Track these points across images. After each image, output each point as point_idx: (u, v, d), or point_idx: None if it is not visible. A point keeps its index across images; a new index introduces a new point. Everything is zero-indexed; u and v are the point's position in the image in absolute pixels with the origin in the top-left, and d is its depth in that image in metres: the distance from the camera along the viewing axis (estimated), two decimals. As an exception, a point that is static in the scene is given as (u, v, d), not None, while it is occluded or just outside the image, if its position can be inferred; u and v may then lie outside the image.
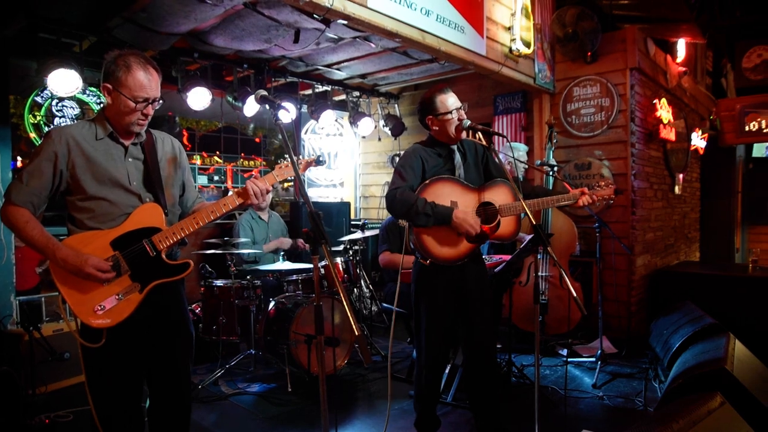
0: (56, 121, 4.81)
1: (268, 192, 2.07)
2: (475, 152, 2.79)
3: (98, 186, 1.92)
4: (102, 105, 2.02)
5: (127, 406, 1.96)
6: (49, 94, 4.72)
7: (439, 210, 2.47)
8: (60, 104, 4.84)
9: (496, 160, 2.78)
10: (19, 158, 4.64)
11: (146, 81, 1.92)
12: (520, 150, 5.01)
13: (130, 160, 2.01)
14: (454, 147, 2.71)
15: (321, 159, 2.27)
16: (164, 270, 1.98)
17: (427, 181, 2.55)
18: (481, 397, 2.71)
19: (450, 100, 2.63)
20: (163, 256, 1.98)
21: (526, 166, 4.47)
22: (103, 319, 1.87)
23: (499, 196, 2.65)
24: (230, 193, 2.10)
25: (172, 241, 1.98)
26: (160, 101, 2.00)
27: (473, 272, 2.68)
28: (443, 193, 2.54)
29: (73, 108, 4.91)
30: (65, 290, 1.87)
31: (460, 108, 2.64)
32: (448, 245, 2.57)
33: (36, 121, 4.74)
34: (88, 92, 4.92)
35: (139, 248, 1.94)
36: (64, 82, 3.65)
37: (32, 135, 4.70)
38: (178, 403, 2.10)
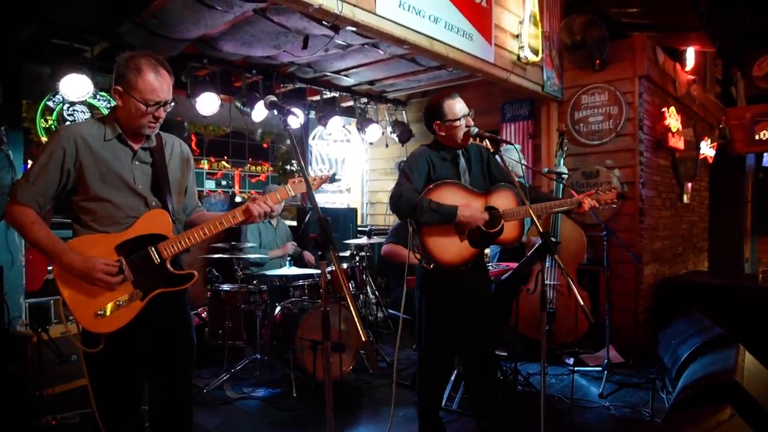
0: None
1: (272, 212, 2.05)
2: (480, 157, 2.79)
3: (104, 187, 1.89)
4: (111, 107, 2.00)
5: (128, 410, 1.96)
6: (61, 99, 4.77)
7: (445, 208, 2.47)
8: (71, 109, 4.89)
9: (500, 163, 2.76)
10: (30, 161, 4.69)
11: (157, 84, 1.88)
12: (513, 150, 4.92)
13: (137, 163, 1.98)
14: (459, 151, 2.71)
15: (336, 177, 2.27)
16: (168, 279, 1.95)
17: (431, 186, 2.55)
18: (482, 401, 2.70)
19: (458, 106, 2.62)
20: (168, 264, 1.95)
21: (523, 165, 4.39)
22: (103, 325, 1.85)
23: (503, 201, 2.64)
24: (238, 198, 2.09)
25: (177, 250, 1.95)
26: (172, 104, 1.97)
27: (476, 278, 2.67)
28: (448, 197, 2.54)
29: (84, 112, 4.96)
30: (67, 293, 1.85)
31: (468, 114, 2.64)
32: (452, 250, 2.56)
33: (47, 125, 4.80)
34: (98, 97, 4.97)
35: (143, 255, 1.91)
36: (75, 86, 3.69)
37: (43, 139, 4.75)
38: (178, 409, 2.09)
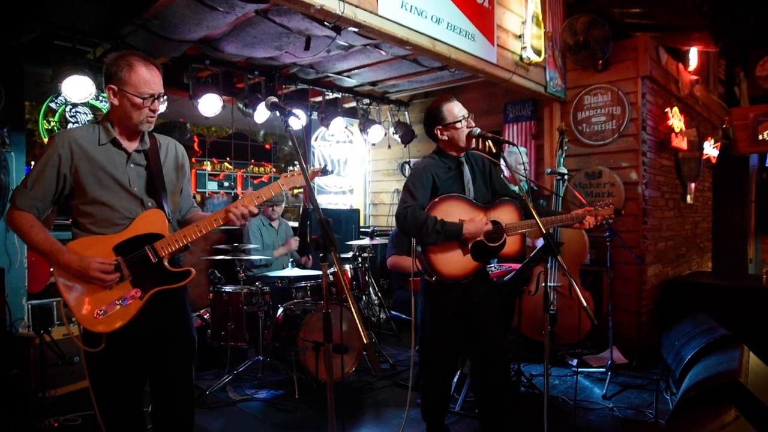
0: (69, 126, 4.87)
1: (251, 214, 2.04)
2: (483, 166, 2.79)
3: (100, 190, 1.93)
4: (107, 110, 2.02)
5: (129, 410, 1.97)
6: (63, 101, 4.78)
7: (449, 227, 2.47)
8: (73, 110, 4.90)
9: (501, 176, 2.78)
10: (32, 163, 4.70)
11: (149, 77, 1.93)
12: (520, 152, 4.93)
13: (131, 166, 2.00)
14: (463, 159, 2.70)
15: (327, 169, 2.27)
16: (165, 277, 1.97)
17: (436, 199, 2.55)
18: (491, 409, 2.69)
19: (457, 109, 2.62)
20: (165, 262, 1.97)
21: (524, 176, 4.40)
22: (103, 324, 1.87)
23: (505, 215, 2.65)
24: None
25: (174, 248, 1.98)
26: (165, 97, 2.01)
27: (480, 289, 2.67)
28: (451, 212, 2.54)
29: (86, 114, 4.97)
30: (67, 294, 1.87)
31: (468, 116, 2.64)
32: (455, 263, 2.56)
33: (50, 127, 4.81)
34: (101, 98, 4.97)
35: (141, 254, 1.93)
36: (77, 88, 3.70)
37: (46, 140, 4.77)
38: (179, 409, 2.09)
